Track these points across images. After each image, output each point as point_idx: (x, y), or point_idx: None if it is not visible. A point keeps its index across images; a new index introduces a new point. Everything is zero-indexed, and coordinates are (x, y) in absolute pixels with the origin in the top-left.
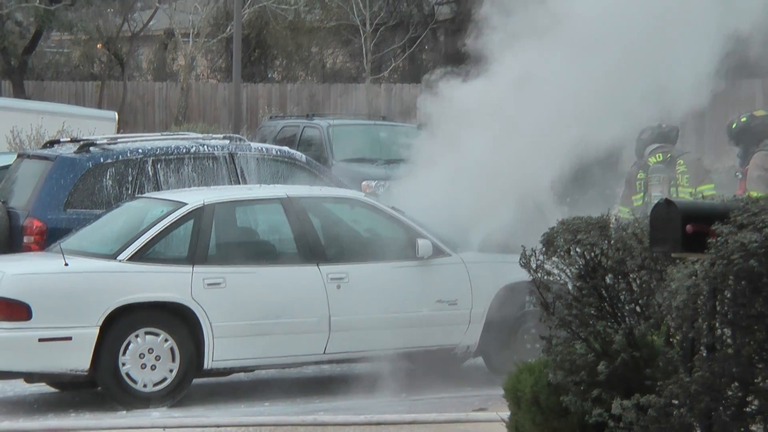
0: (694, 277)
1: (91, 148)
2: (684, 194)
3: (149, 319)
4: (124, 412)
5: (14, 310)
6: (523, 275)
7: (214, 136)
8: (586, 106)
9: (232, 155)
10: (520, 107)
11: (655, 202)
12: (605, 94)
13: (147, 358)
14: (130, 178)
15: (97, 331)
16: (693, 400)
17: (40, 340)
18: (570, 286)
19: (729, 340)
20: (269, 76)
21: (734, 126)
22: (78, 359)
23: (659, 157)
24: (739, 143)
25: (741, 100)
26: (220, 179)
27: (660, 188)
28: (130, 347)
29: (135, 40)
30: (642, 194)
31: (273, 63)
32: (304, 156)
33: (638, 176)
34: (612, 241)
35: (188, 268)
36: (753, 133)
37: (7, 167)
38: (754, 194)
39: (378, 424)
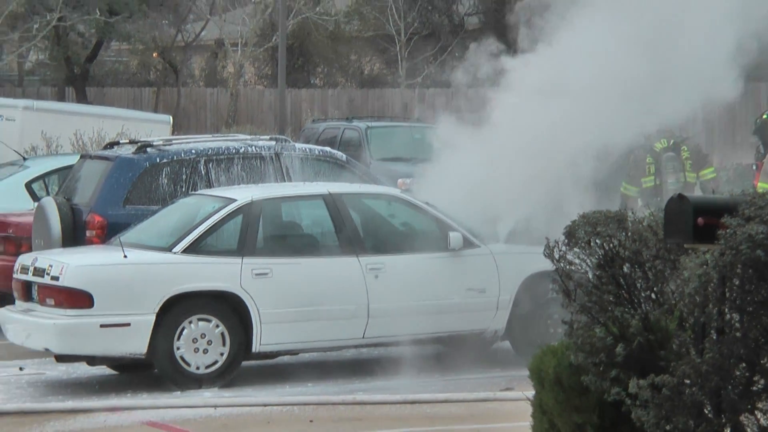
0: (704, 266)
1: (148, 149)
2: (690, 179)
3: (202, 306)
4: (179, 392)
5: (78, 298)
6: (547, 265)
7: (261, 137)
8: (594, 121)
9: (277, 155)
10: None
11: (672, 188)
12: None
13: (200, 342)
14: (183, 177)
15: (153, 317)
16: (704, 380)
17: (102, 326)
18: (590, 275)
19: (737, 324)
20: (311, 82)
21: (758, 120)
22: (136, 343)
23: (664, 143)
24: (760, 137)
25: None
26: (266, 177)
27: (675, 176)
28: (184, 332)
29: (188, 49)
30: (653, 177)
31: (315, 70)
32: (344, 155)
33: (647, 160)
34: (629, 233)
35: (238, 260)
36: None
37: (70, 167)
38: (762, 186)
39: (413, 402)
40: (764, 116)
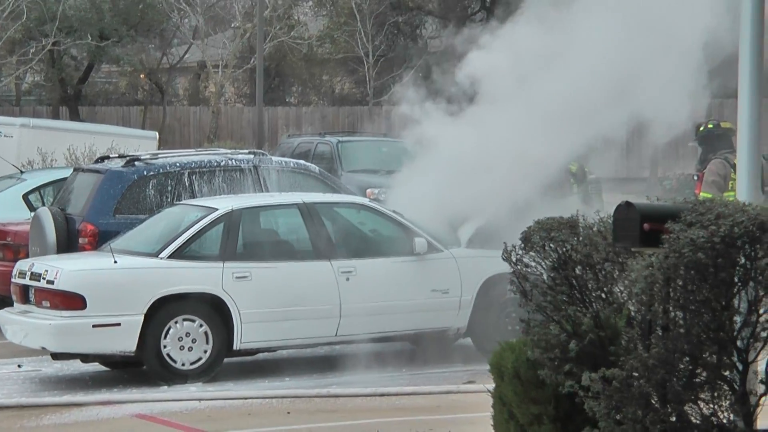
0: (650, 268)
1: (136, 163)
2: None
3: (187, 307)
4: (166, 387)
5: (71, 300)
6: (505, 267)
7: (240, 151)
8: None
9: (256, 168)
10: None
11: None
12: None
13: (185, 340)
14: (169, 188)
15: (142, 318)
16: (650, 373)
17: (94, 326)
18: (545, 277)
19: (681, 322)
20: (287, 100)
21: (701, 129)
22: (126, 342)
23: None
24: (701, 147)
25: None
26: (245, 188)
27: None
28: (171, 332)
29: (173, 71)
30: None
31: (290, 89)
32: (317, 168)
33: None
34: (580, 238)
35: (219, 264)
36: (714, 141)
37: (64, 180)
38: (704, 195)
39: (383, 395)
40: (710, 125)
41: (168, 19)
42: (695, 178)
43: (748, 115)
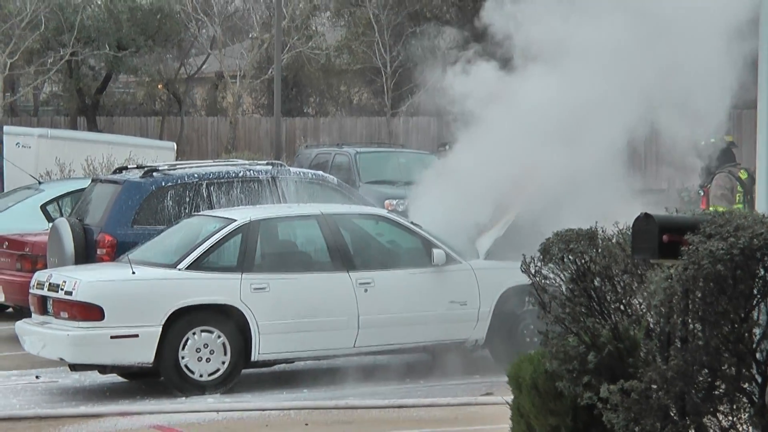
0: (669, 280)
1: (154, 174)
2: None
3: (205, 318)
4: (183, 398)
5: (89, 311)
6: (523, 279)
7: (258, 162)
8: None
9: (274, 179)
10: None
11: None
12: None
13: (203, 352)
14: (187, 199)
15: (160, 329)
16: (669, 385)
17: (112, 337)
18: (563, 288)
19: (699, 334)
20: (305, 111)
21: (702, 144)
22: (144, 353)
23: (744, 174)
24: (705, 161)
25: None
26: (263, 199)
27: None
28: (189, 343)
29: (190, 81)
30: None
31: (308, 100)
32: (335, 179)
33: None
34: (599, 250)
35: (237, 275)
36: (719, 155)
37: (82, 190)
38: (719, 209)
39: (400, 407)
40: (712, 140)
41: (186, 30)
42: (700, 193)
43: (767, 125)
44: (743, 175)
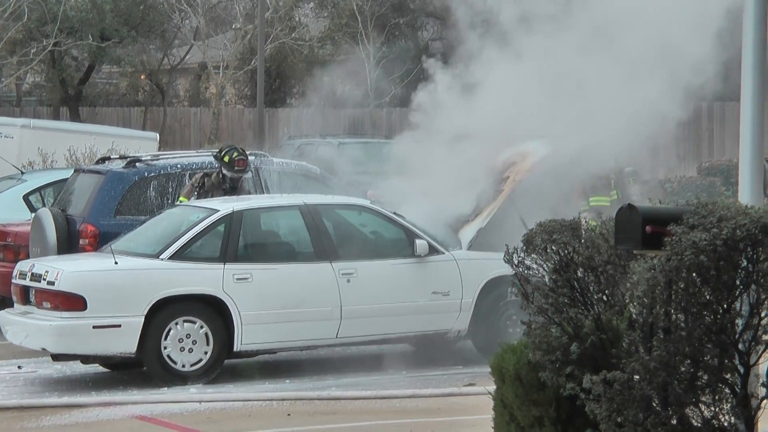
0: (652, 271)
1: (137, 164)
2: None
3: (187, 309)
4: (166, 388)
5: (72, 301)
6: (506, 269)
7: None
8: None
9: (257, 169)
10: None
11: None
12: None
13: (185, 342)
14: (170, 189)
15: (142, 319)
16: (652, 375)
17: (94, 327)
18: (546, 279)
19: (682, 324)
20: (288, 102)
21: None
22: (126, 343)
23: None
24: None
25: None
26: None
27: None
28: (171, 333)
29: (173, 72)
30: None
31: (291, 91)
32: (318, 169)
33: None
34: (582, 240)
35: (220, 265)
36: None
37: (65, 180)
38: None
39: (383, 398)
40: None
41: (169, 20)
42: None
43: (750, 117)
44: None
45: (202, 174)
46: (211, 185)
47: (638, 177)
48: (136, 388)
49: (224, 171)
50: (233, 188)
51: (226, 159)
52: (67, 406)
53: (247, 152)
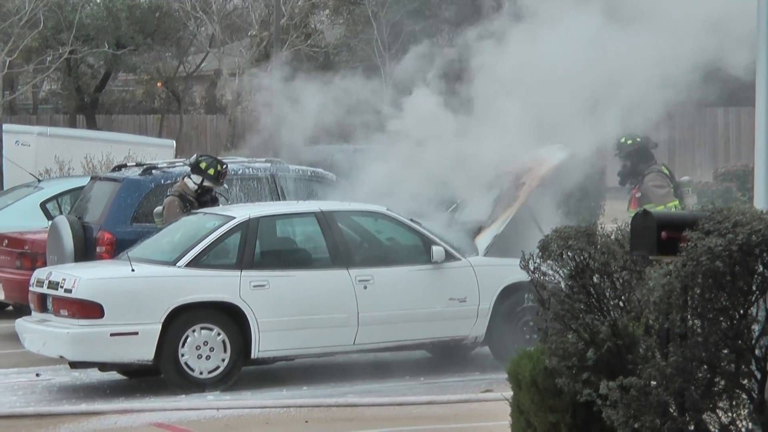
0: (668, 277)
1: (153, 171)
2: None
3: (204, 316)
4: (184, 395)
5: (89, 309)
6: (522, 276)
7: (258, 159)
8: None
9: (273, 176)
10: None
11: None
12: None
13: (203, 349)
14: None
15: (160, 326)
16: (668, 381)
17: (112, 334)
18: (562, 285)
19: (698, 330)
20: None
21: (629, 143)
22: (144, 351)
23: (666, 171)
24: (627, 160)
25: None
26: (263, 197)
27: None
28: (188, 340)
29: (189, 79)
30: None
31: None
32: (334, 176)
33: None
34: (598, 246)
35: (237, 273)
36: (641, 154)
37: (82, 188)
38: (671, 205)
39: (400, 404)
40: (638, 139)
41: (184, 28)
42: (629, 194)
43: (765, 122)
44: (666, 171)
45: (178, 195)
46: (191, 202)
47: (694, 187)
48: (153, 395)
49: (207, 183)
50: (213, 200)
51: (211, 172)
52: (84, 414)
53: (264, 159)
